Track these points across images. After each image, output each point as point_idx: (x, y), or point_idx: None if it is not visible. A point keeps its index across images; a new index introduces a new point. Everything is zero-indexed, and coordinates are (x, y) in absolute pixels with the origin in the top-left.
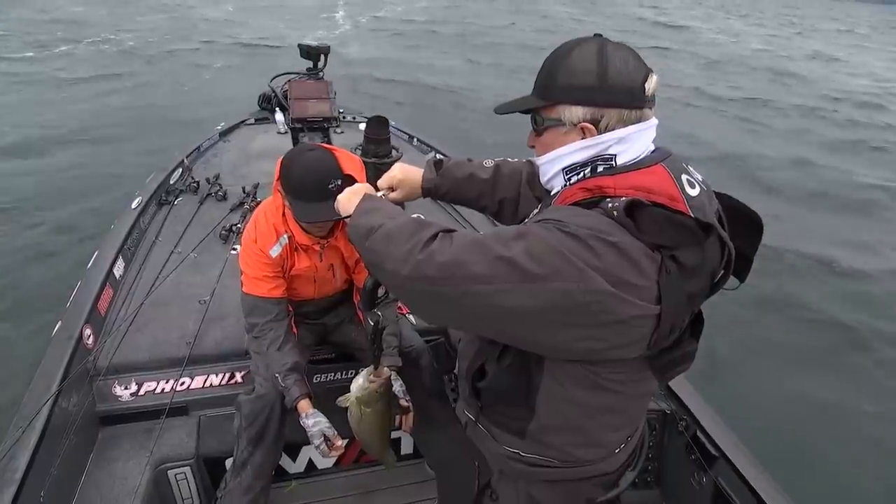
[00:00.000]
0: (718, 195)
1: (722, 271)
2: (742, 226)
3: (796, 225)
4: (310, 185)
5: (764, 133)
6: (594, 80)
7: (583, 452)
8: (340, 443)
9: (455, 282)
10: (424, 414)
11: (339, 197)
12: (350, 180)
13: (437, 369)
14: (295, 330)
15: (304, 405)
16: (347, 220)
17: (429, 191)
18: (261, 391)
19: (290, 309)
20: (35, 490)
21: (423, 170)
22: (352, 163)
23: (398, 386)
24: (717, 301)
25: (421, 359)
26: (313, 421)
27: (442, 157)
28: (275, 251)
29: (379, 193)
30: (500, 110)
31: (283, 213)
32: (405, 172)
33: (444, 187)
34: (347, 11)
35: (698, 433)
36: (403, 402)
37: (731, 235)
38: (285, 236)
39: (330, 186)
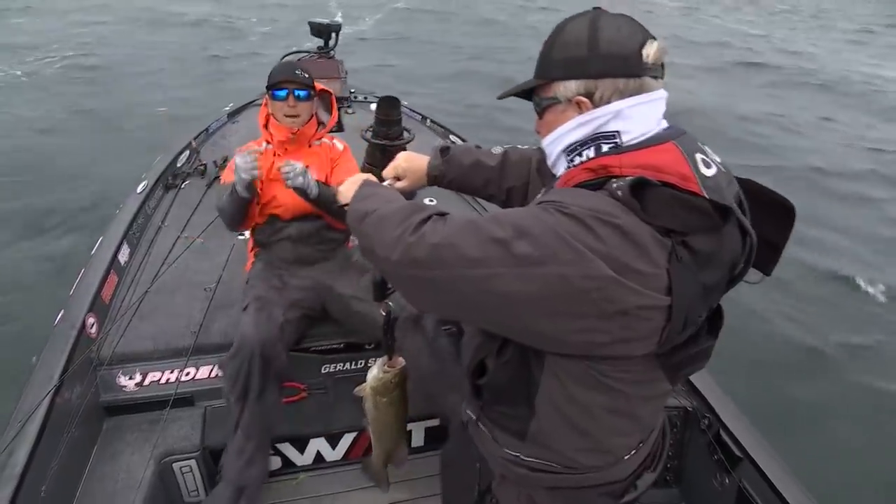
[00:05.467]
0: (741, 180)
1: (743, 263)
2: (770, 213)
3: None
4: (282, 67)
5: None
6: (585, 50)
7: (586, 458)
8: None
9: (446, 265)
10: (434, 376)
11: (341, 188)
12: (326, 97)
13: (442, 329)
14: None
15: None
16: (346, 207)
17: (435, 178)
18: (236, 341)
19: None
20: (35, 485)
21: (428, 157)
22: (324, 88)
23: None
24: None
25: (423, 319)
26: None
27: (452, 142)
28: (254, 149)
29: (385, 183)
30: (502, 96)
31: (265, 126)
32: (410, 161)
33: (449, 175)
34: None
35: (721, 433)
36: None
37: (756, 223)
38: (264, 145)
39: (297, 71)
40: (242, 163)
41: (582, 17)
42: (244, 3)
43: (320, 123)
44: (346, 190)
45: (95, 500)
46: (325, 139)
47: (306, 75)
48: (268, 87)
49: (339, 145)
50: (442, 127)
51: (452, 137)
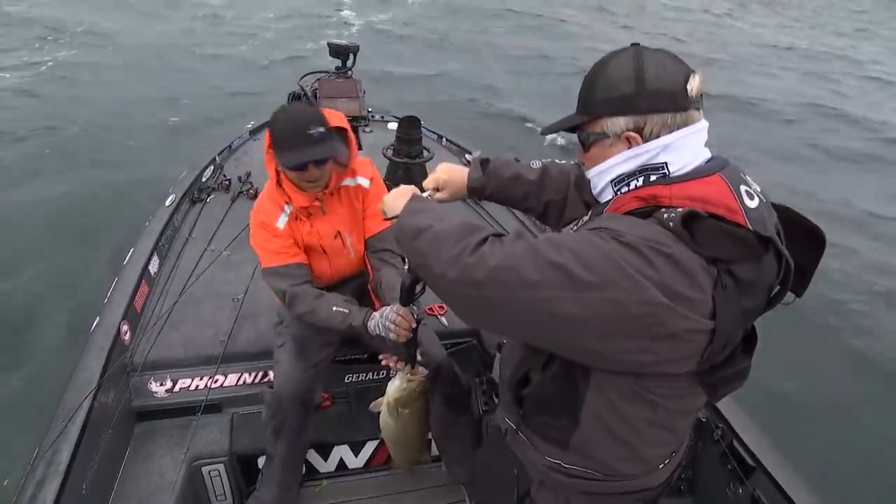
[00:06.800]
0: (776, 206)
1: (779, 286)
2: (801, 239)
3: None
4: (291, 131)
5: None
6: (632, 88)
7: (625, 466)
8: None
9: (504, 287)
10: (441, 423)
11: (386, 197)
12: (341, 133)
13: (460, 379)
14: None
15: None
16: (395, 220)
17: (474, 190)
18: (275, 387)
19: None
20: (78, 482)
21: (468, 169)
22: (337, 117)
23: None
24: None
25: (440, 368)
26: (375, 320)
27: (468, 161)
28: (281, 222)
29: (424, 194)
30: (545, 132)
31: (279, 183)
32: (450, 172)
33: (489, 187)
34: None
35: (734, 442)
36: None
37: (788, 249)
38: (287, 206)
39: (310, 132)
40: (389, 325)
41: (624, 54)
42: None
43: (339, 164)
44: (394, 202)
45: (130, 500)
46: (347, 179)
47: (321, 130)
48: (274, 147)
49: (365, 182)
50: (458, 146)
51: (468, 157)
